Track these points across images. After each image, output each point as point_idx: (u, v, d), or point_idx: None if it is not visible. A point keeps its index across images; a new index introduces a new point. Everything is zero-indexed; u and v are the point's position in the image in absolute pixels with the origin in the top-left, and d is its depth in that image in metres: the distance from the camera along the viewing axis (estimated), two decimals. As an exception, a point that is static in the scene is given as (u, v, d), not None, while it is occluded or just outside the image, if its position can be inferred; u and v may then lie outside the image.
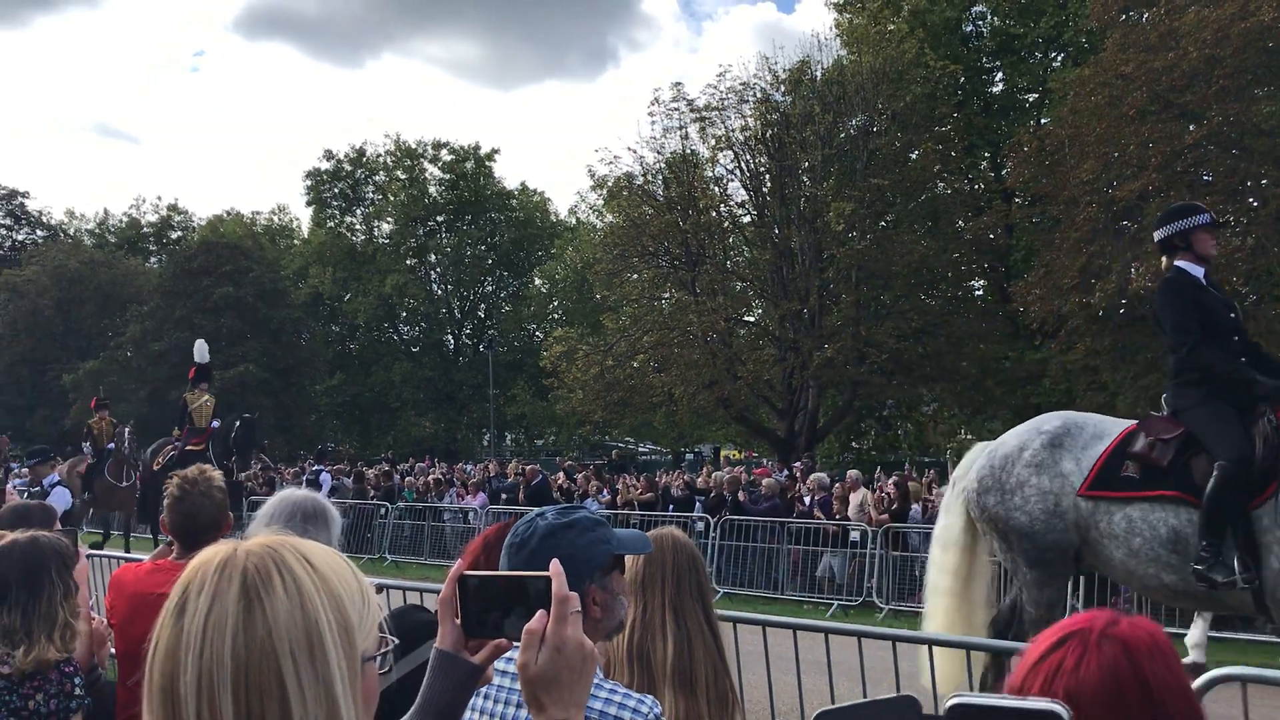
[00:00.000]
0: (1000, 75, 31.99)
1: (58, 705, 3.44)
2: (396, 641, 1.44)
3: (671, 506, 19.10)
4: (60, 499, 11.65)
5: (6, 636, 3.45)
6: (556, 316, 52.72)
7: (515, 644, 1.63)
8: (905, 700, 1.11)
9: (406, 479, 26.15)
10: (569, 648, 1.57)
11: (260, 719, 1.21)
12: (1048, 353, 25.13)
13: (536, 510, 2.37)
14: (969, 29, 31.79)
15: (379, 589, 7.79)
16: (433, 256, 54.87)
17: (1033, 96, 31.31)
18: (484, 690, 2.28)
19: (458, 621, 1.74)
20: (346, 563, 1.37)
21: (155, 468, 19.81)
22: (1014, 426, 7.68)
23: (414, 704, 1.82)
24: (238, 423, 19.69)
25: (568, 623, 1.58)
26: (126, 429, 21.39)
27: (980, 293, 31.66)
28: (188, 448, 19.52)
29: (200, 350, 21.26)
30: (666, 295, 31.20)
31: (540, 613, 1.59)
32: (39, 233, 61.99)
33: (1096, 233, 22.63)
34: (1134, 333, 22.32)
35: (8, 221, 62.31)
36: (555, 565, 1.62)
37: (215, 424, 20.27)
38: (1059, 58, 30.64)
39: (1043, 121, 28.78)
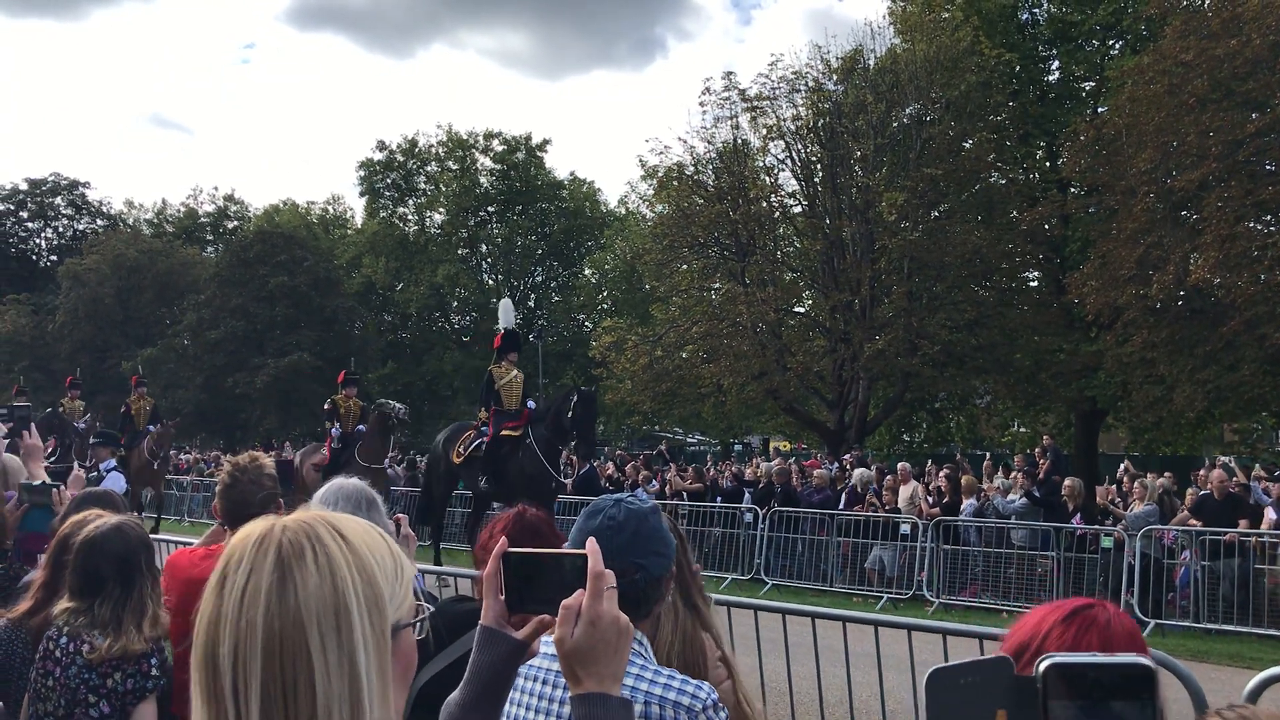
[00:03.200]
0: (1056, 63, 31.44)
1: (134, 685, 3.54)
2: (431, 608, 1.48)
3: (720, 498, 19.09)
4: (115, 483, 11.85)
5: (97, 626, 3.54)
6: (606, 307, 52.76)
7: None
8: (1001, 660, 1.16)
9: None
10: (604, 622, 1.62)
11: (290, 686, 1.25)
12: (1103, 345, 24.71)
13: (610, 497, 2.44)
14: (1025, 16, 31.30)
15: (439, 579, 7.86)
16: (484, 246, 55.17)
17: (1090, 85, 30.74)
18: (534, 673, 2.35)
19: (501, 597, 1.80)
20: (381, 535, 1.41)
21: (456, 460, 16.44)
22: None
23: (462, 679, 1.88)
24: (573, 397, 15.59)
25: (603, 598, 1.63)
26: (400, 407, 17.42)
27: (1035, 284, 31.20)
28: (502, 433, 15.93)
29: (506, 312, 17.37)
30: (716, 285, 31.08)
31: (578, 589, 1.64)
32: (99, 222, 63.23)
33: (1154, 223, 22.24)
34: (1192, 325, 21.93)
35: (69, 211, 63.63)
36: (592, 543, 1.67)
37: (531, 404, 16.48)
38: (1117, 45, 30.06)
39: (1100, 110, 28.25)
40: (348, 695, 1.27)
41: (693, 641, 2.87)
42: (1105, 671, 1.11)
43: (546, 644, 2.23)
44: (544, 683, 2.33)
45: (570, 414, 15.34)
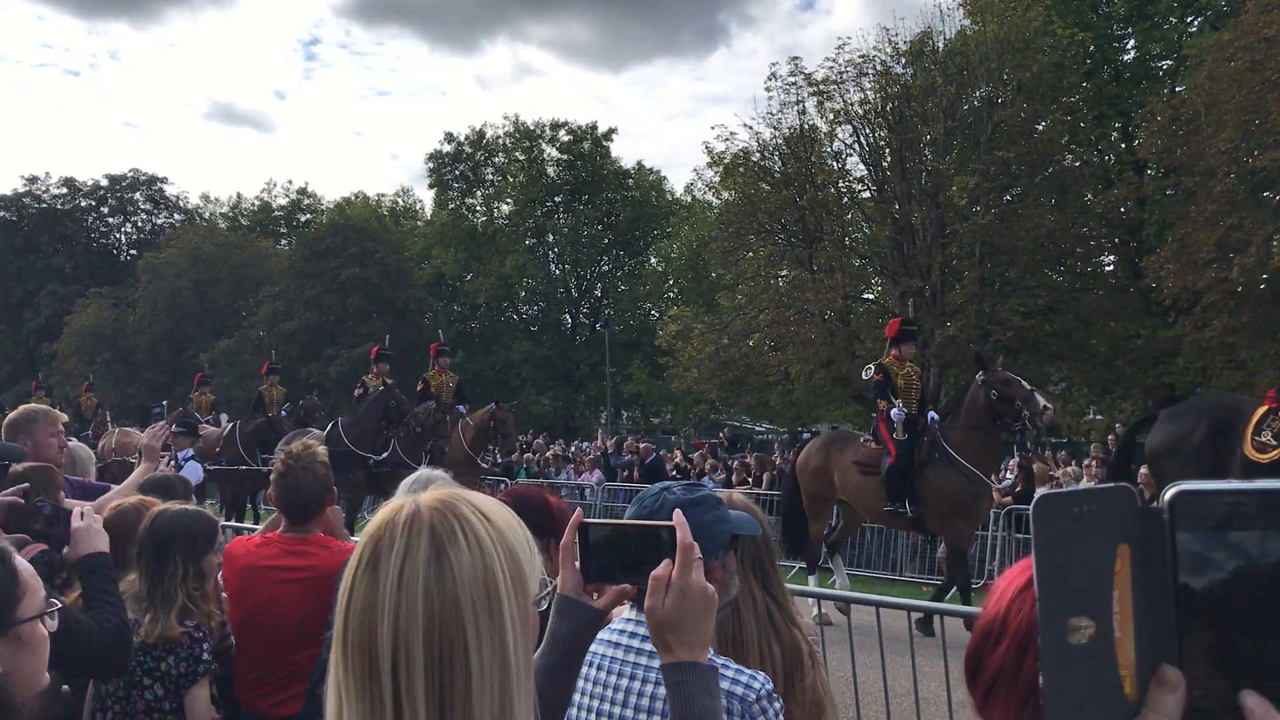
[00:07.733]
0: (1132, 42, 30.75)
1: (186, 669, 3.63)
2: (555, 584, 1.57)
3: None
4: (192, 473, 12.00)
5: (136, 602, 3.64)
6: (672, 295, 52.70)
7: (641, 591, 1.73)
8: (1122, 489, 1.05)
9: (525, 455, 26.54)
10: (693, 592, 1.69)
11: (447, 665, 1.30)
12: (1182, 330, 24.17)
13: (661, 485, 2.42)
14: (1099, -6, 30.67)
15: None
16: (550, 237, 55.36)
17: (1167, 63, 30.03)
18: (604, 663, 2.35)
19: (578, 566, 1.84)
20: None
21: (1258, 457, 9.60)
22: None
23: (539, 646, 1.91)
24: None
25: (691, 568, 1.69)
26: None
27: (1110, 268, 30.55)
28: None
29: None
30: (783, 273, 30.84)
31: (666, 560, 1.70)
32: (176, 216, 64.56)
33: (1235, 204, 21.71)
34: (1275, 309, 21.40)
35: (148, 206, 65.03)
36: (679, 515, 1.73)
37: None
38: (1195, 22, 29.32)
39: (1178, 89, 27.60)
40: (499, 671, 1.32)
41: (792, 641, 2.86)
42: (1242, 497, 0.99)
43: (615, 636, 2.29)
44: (620, 675, 2.32)
45: None
